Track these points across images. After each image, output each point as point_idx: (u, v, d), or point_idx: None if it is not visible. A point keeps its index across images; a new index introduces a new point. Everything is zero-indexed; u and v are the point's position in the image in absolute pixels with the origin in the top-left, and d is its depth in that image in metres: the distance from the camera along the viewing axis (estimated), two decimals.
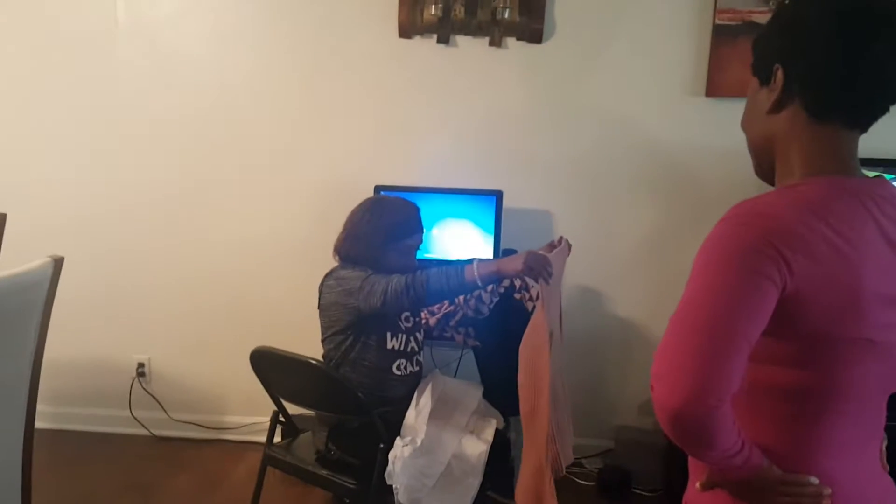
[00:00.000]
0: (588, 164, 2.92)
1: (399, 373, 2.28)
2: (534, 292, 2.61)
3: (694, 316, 0.96)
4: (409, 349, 2.30)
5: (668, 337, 0.98)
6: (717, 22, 2.72)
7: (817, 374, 1.01)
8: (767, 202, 1.01)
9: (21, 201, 3.02)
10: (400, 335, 2.26)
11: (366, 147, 2.98)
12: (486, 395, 2.42)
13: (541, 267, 1.98)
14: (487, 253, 2.77)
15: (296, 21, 2.91)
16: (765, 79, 1.08)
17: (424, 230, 2.31)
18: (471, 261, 2.07)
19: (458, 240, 2.81)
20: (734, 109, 2.84)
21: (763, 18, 2.67)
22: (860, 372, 1.01)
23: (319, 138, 2.99)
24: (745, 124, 1.15)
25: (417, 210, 2.32)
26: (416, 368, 2.36)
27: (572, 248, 2.32)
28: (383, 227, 2.22)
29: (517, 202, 2.89)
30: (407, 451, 2.06)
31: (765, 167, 1.13)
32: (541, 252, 2.07)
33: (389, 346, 2.24)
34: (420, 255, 2.36)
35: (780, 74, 1.05)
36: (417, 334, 2.37)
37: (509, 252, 2.84)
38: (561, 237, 2.31)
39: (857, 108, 1.03)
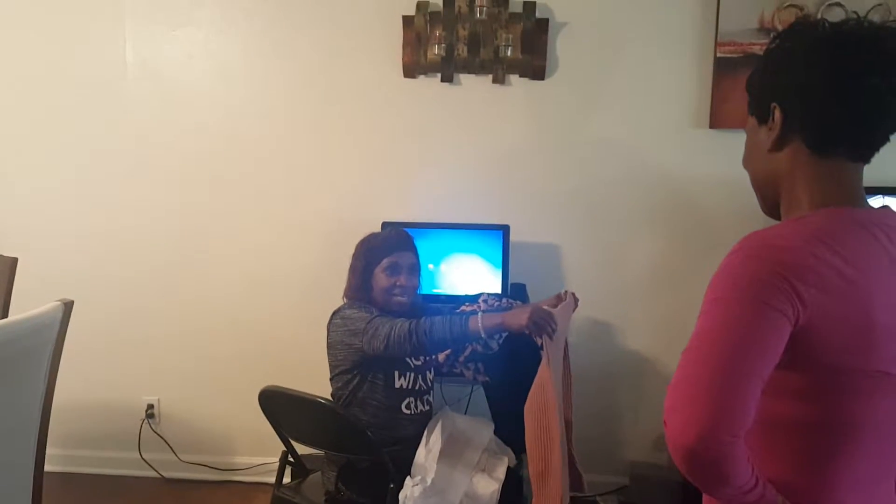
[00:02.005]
0: (594, 197, 2.93)
1: (408, 412, 2.26)
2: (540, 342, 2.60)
3: (706, 350, 0.95)
4: (418, 387, 2.29)
5: (680, 371, 0.97)
6: (719, 55, 2.75)
7: (831, 407, 0.99)
8: (777, 234, 1.00)
9: (31, 245, 3.06)
10: (409, 374, 2.25)
11: (373, 184, 3.00)
12: (496, 432, 2.39)
13: (545, 323, 1.96)
14: (495, 287, 2.76)
15: (302, 62, 2.96)
16: (763, 118, 1.08)
17: (410, 249, 2.30)
18: (475, 312, 2.08)
19: (465, 275, 2.81)
20: (738, 140, 2.85)
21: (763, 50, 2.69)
22: (874, 405, 1.00)
23: (327, 176, 3.02)
24: (747, 163, 1.15)
25: (400, 233, 2.33)
26: (427, 407, 2.34)
27: (579, 302, 2.29)
28: (362, 255, 2.28)
29: (524, 236, 2.89)
30: (417, 490, 2.04)
31: (770, 203, 1.13)
32: (546, 307, 2.06)
33: (398, 385, 2.22)
34: (426, 288, 2.36)
35: (777, 113, 1.05)
36: (427, 372, 2.35)
37: (518, 287, 2.85)
38: (567, 291, 2.28)
39: (858, 142, 1.03)
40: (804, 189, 1.05)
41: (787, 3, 2.70)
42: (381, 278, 2.25)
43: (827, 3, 2.67)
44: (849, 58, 0.99)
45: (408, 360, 2.26)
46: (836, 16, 2.65)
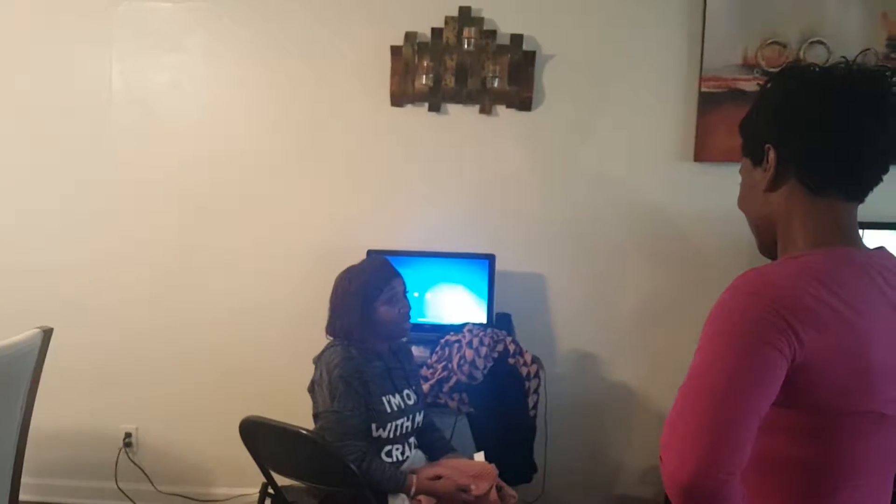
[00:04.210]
0: (580, 228, 2.94)
1: (390, 459, 2.19)
2: (528, 357, 2.59)
3: (703, 386, 0.95)
4: (399, 434, 2.20)
5: (676, 407, 0.97)
6: (703, 89, 2.78)
7: (826, 446, 0.99)
8: (774, 272, 1.01)
9: (10, 271, 3.02)
10: (388, 425, 2.16)
11: (359, 212, 3.00)
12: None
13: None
14: (481, 317, 2.75)
15: (289, 90, 2.96)
16: (757, 160, 1.09)
17: (399, 275, 2.26)
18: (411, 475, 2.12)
19: (451, 304, 2.80)
20: (722, 174, 2.90)
21: (747, 86, 2.74)
22: (869, 445, 1.00)
23: (313, 204, 3.01)
24: (743, 204, 1.15)
25: (384, 262, 2.28)
26: (412, 452, 2.28)
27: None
28: (356, 293, 2.18)
29: (510, 266, 2.89)
30: None
31: (767, 243, 1.13)
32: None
33: (375, 435, 2.15)
34: (413, 315, 2.33)
35: (772, 154, 1.06)
36: (416, 415, 2.27)
37: (503, 316, 2.84)
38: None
39: (853, 181, 1.04)
40: (800, 228, 1.06)
41: (770, 41, 2.75)
42: (384, 311, 2.19)
43: (809, 41, 2.72)
44: (843, 100, 1.00)
45: (386, 411, 2.16)
46: (818, 54, 2.74)
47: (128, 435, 3.14)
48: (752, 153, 1.10)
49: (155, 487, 3.13)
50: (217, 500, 3.13)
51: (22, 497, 1.84)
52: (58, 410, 2.96)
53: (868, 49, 2.67)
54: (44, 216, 3.08)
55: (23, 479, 1.85)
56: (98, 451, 3.13)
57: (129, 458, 3.14)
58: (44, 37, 2.99)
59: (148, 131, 3.02)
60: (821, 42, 2.72)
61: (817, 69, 1.05)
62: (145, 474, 3.14)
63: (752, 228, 1.15)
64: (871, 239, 1.11)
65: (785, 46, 2.74)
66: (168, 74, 3.00)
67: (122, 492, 3.13)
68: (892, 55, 2.72)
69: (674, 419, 0.96)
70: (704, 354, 0.97)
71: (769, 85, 1.09)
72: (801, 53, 2.73)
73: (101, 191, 3.05)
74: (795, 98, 1.04)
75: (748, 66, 2.76)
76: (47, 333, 1.81)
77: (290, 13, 2.92)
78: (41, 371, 1.81)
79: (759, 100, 1.10)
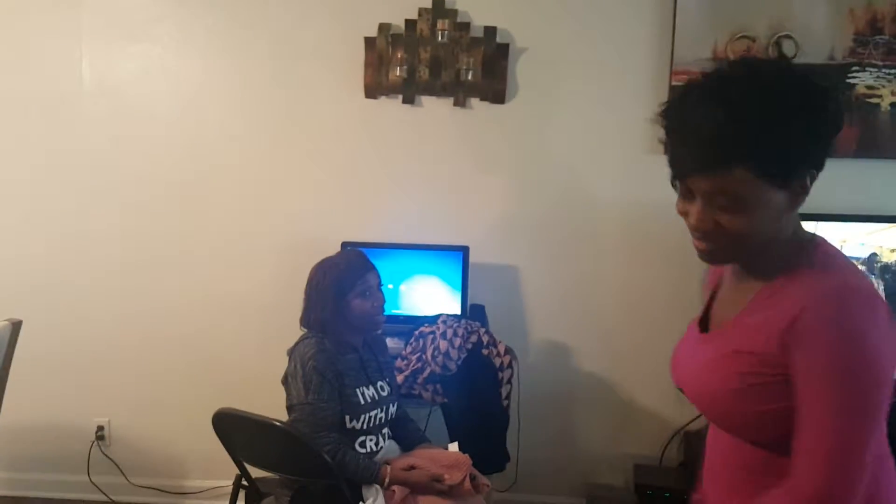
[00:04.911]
0: (552, 220, 2.96)
1: (363, 450, 2.20)
2: (501, 348, 2.62)
3: (865, 424, 0.99)
4: (373, 425, 2.22)
5: (814, 435, 1.00)
6: (674, 82, 2.81)
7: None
8: (858, 272, 1.07)
9: None
10: (362, 416, 2.18)
11: (333, 204, 3.00)
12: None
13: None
14: (455, 308, 2.77)
15: (263, 81, 2.95)
16: (783, 183, 1.02)
17: (374, 268, 2.26)
18: (385, 466, 2.13)
19: (425, 295, 2.81)
20: None
21: None
22: None
23: (287, 196, 3.00)
24: (756, 228, 1.05)
25: (359, 254, 2.29)
26: (385, 443, 2.29)
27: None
28: (330, 286, 2.19)
29: (483, 257, 2.91)
30: None
31: (743, 256, 1.12)
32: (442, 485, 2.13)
33: (349, 426, 2.16)
34: (388, 307, 2.33)
35: (809, 179, 1.04)
36: (390, 406, 2.29)
37: (477, 308, 2.86)
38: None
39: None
40: (788, 224, 1.09)
41: (740, 35, 2.78)
42: (357, 304, 2.20)
43: (777, 36, 2.76)
44: (822, 96, 1.02)
45: (359, 403, 2.17)
46: (786, 48, 2.77)
47: (100, 428, 3.12)
48: (779, 176, 1.01)
49: (128, 480, 3.12)
50: (190, 493, 3.13)
51: None
52: (29, 404, 2.94)
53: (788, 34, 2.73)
54: (13, 205, 3.04)
55: None
56: (70, 445, 3.11)
57: (101, 451, 3.13)
58: (11, 21, 2.94)
59: (119, 121, 2.98)
60: (789, 37, 2.76)
61: (788, 69, 1.05)
62: (118, 467, 3.12)
63: (740, 247, 1.08)
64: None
65: (754, 41, 2.78)
66: (138, 64, 2.96)
67: (95, 485, 3.11)
68: (859, 50, 2.77)
69: (811, 449, 1.00)
70: (857, 383, 0.99)
71: (776, 110, 1.00)
72: (769, 48, 2.77)
73: (72, 181, 3.02)
74: (815, 112, 1.01)
75: (718, 60, 2.79)
76: (16, 326, 1.79)
77: (261, 2, 2.91)
78: (10, 364, 1.80)
79: (777, 111, 1.00)
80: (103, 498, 3.11)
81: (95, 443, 3.12)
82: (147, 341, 3.08)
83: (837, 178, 2.56)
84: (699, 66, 2.79)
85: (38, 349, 2.80)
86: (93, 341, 3.08)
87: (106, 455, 3.13)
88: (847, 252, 2.53)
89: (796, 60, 2.74)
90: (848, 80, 2.76)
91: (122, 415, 3.13)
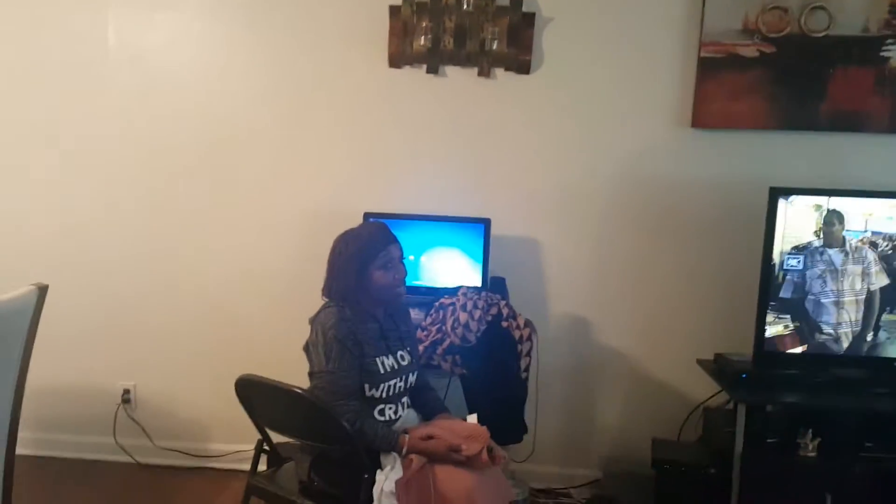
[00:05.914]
0: (575, 193, 2.94)
1: (383, 418, 2.22)
2: (521, 320, 2.62)
3: None
4: (392, 394, 2.23)
5: None
6: (703, 54, 2.76)
7: None
8: None
9: (8, 229, 3.03)
10: (381, 385, 2.19)
11: (355, 175, 3.00)
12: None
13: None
14: (475, 281, 2.77)
15: (286, 51, 2.94)
16: None
17: (396, 240, 2.26)
18: (403, 435, 2.13)
19: (446, 267, 2.81)
20: (719, 140, 2.89)
21: (747, 51, 2.72)
22: None
23: (310, 166, 3.01)
24: None
25: (382, 226, 2.28)
26: (405, 412, 2.30)
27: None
28: (353, 256, 2.19)
29: (505, 230, 2.90)
30: (388, 485, 2.05)
31: None
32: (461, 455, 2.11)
33: (368, 394, 2.18)
34: (409, 278, 2.34)
35: None
36: (409, 375, 2.29)
37: (497, 280, 2.86)
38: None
39: None
40: None
41: (772, 6, 2.71)
42: (378, 276, 2.20)
43: (810, 7, 2.69)
44: None
45: (378, 371, 2.18)
46: (819, 19, 2.71)
47: (126, 391, 3.18)
48: None
49: (153, 442, 3.18)
50: (213, 456, 3.19)
51: (20, 450, 1.87)
52: (56, 367, 3.01)
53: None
54: (42, 173, 3.08)
55: (22, 434, 1.87)
56: (97, 407, 3.18)
57: (127, 413, 3.19)
58: None
59: (143, 89, 3.00)
60: (822, 8, 2.69)
61: None
62: (143, 430, 3.19)
63: None
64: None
65: (786, 11, 2.71)
66: (164, 32, 2.97)
67: (121, 447, 3.18)
68: (894, 21, 2.69)
69: None
70: None
71: None
72: (803, 19, 2.70)
73: (99, 148, 3.05)
74: None
75: (748, 32, 2.73)
76: (42, 290, 1.81)
77: None
78: (36, 328, 1.82)
79: None
80: (129, 459, 3.19)
81: (121, 406, 3.18)
82: (172, 308, 3.12)
83: (871, 154, 2.52)
84: (729, 37, 2.73)
85: (66, 314, 2.86)
86: (120, 308, 3.14)
87: (132, 418, 3.20)
88: (873, 226, 2.41)
89: (829, 33, 2.68)
90: (882, 54, 2.69)
91: (148, 379, 3.19)
